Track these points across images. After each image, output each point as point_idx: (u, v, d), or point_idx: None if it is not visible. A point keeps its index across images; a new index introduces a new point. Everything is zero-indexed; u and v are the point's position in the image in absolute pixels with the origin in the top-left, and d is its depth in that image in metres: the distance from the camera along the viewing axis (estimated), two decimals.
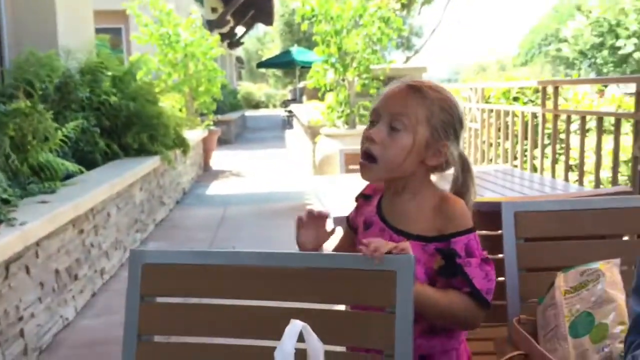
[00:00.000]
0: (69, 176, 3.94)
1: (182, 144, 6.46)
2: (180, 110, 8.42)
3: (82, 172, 4.10)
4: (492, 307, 1.68)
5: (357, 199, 1.36)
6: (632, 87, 3.48)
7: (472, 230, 1.20)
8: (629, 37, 22.37)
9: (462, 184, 1.24)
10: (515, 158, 5.11)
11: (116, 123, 5.20)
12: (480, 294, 1.15)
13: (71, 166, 3.88)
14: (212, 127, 9.67)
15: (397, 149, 1.18)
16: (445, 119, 1.20)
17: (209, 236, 5.12)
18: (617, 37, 22.74)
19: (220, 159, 10.54)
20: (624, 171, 4.39)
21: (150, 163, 5.20)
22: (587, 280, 1.29)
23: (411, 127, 1.18)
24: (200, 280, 1.21)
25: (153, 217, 5.52)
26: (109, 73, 5.37)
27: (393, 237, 1.21)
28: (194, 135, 7.84)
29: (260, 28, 41.12)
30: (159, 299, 1.22)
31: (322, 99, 7.96)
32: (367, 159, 1.21)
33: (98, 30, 6.20)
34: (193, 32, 9.14)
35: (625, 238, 1.66)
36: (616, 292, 1.22)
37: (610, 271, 1.28)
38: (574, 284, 1.30)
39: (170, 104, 7.14)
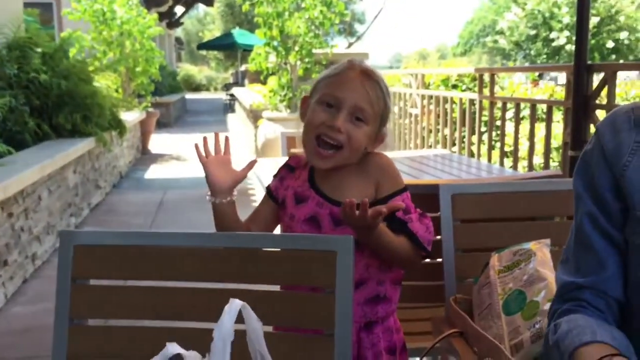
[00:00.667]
0: None
1: (118, 126, 6.26)
2: (117, 90, 8.14)
3: (10, 153, 3.90)
4: (430, 287, 1.73)
5: (280, 170, 1.36)
6: (563, 79, 3.62)
7: (405, 189, 1.26)
8: (561, 29, 23.27)
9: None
10: (454, 144, 5.24)
11: (47, 102, 4.97)
12: (424, 246, 1.23)
13: None
14: (150, 109, 9.41)
15: (360, 139, 1.22)
16: (388, 108, 1.27)
17: (147, 221, 4.99)
18: (551, 29, 23.61)
19: (159, 142, 10.28)
20: (555, 157, 4.59)
21: (84, 144, 5.01)
22: (520, 259, 1.33)
23: (372, 119, 1.23)
24: (135, 261, 1.17)
25: (88, 201, 5.33)
26: (39, 50, 5.11)
27: (333, 209, 1.23)
28: (131, 117, 7.60)
29: (200, 8, 40.25)
30: (92, 282, 1.18)
31: (264, 82, 7.89)
32: (331, 148, 1.21)
33: (27, 5, 5.87)
34: (129, 10, 8.82)
35: (556, 219, 1.73)
36: (546, 271, 1.27)
37: (541, 251, 1.33)
38: (507, 264, 1.35)
39: (105, 84, 6.88)
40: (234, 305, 0.83)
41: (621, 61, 21.71)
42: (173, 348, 0.78)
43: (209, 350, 0.79)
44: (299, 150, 3.18)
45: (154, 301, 1.17)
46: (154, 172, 7.69)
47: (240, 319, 0.84)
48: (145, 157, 8.96)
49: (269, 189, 1.35)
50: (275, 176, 1.36)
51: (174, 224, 4.85)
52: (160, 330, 1.15)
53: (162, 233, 1.18)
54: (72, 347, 1.14)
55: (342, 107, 1.20)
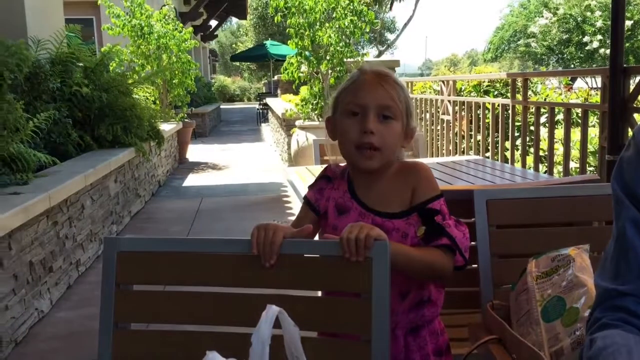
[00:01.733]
0: (41, 167, 3.88)
1: (156, 136, 6.40)
2: (154, 102, 8.32)
3: (55, 163, 4.03)
4: (466, 293, 1.72)
5: (317, 181, 1.36)
6: (598, 83, 3.54)
7: (441, 195, 1.27)
8: (594, 33, 22.82)
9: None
10: (487, 150, 5.19)
11: (89, 114, 5.13)
12: (462, 252, 1.23)
13: (43, 157, 3.81)
14: (186, 120, 9.58)
15: (393, 136, 1.25)
16: (410, 102, 1.30)
17: (185, 228, 5.08)
18: (584, 33, 23.17)
19: (195, 151, 10.45)
20: (591, 162, 4.49)
21: (125, 154, 5.14)
22: (558, 265, 1.32)
23: (399, 114, 1.25)
24: (176, 267, 1.21)
25: (128, 209, 5.46)
26: (81, 64, 5.28)
27: (375, 219, 1.25)
28: (168, 127, 7.77)
29: (234, 21, 40.82)
30: (135, 287, 1.22)
31: (296, 92, 7.94)
32: (371, 149, 1.24)
33: (68, 21, 6.06)
34: (166, 24, 9.03)
35: (594, 224, 1.70)
36: (586, 277, 1.25)
37: (580, 257, 1.31)
38: (545, 270, 1.33)
39: (143, 96, 7.05)
40: (271, 311, 0.85)
41: None
42: (214, 356, 0.80)
43: (246, 355, 0.81)
44: (331, 157, 3.20)
45: (193, 306, 1.20)
46: (191, 180, 7.82)
47: (277, 324, 0.86)
48: (182, 166, 9.12)
49: (308, 200, 1.34)
50: (312, 187, 1.36)
51: (211, 231, 4.92)
52: (200, 335, 1.18)
53: (201, 239, 1.22)
54: (117, 351, 1.18)
55: (368, 110, 1.23)
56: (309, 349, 0.88)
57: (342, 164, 1.35)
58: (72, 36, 5.69)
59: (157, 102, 8.76)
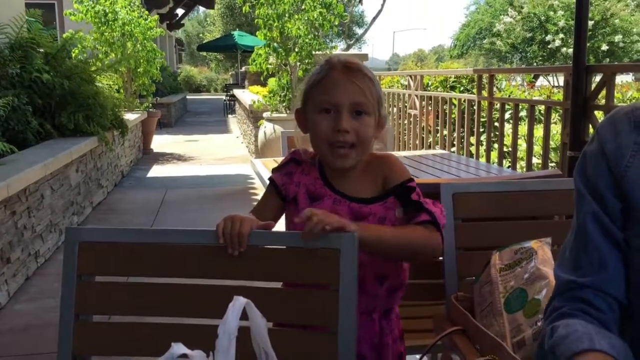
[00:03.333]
0: None
1: (120, 126, 6.27)
2: (118, 91, 8.16)
3: (13, 151, 3.91)
4: (430, 285, 1.74)
5: (285, 164, 1.33)
6: (560, 81, 3.61)
7: (412, 179, 1.28)
8: (557, 32, 23.32)
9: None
10: (453, 144, 5.25)
11: (49, 102, 4.99)
12: (440, 226, 1.21)
13: (1, 145, 3.70)
14: (151, 110, 9.42)
15: (367, 131, 1.24)
16: (380, 92, 1.29)
17: (149, 220, 5.01)
18: (547, 32, 23.67)
19: (160, 142, 10.30)
20: (552, 158, 4.60)
21: (87, 144, 5.02)
22: (521, 258, 1.34)
23: (372, 108, 1.24)
24: (139, 258, 1.18)
25: (90, 200, 5.34)
26: (41, 50, 5.13)
27: (351, 205, 1.24)
28: (132, 117, 7.62)
29: (201, 10, 40.27)
30: (97, 278, 1.19)
31: (264, 83, 7.89)
32: (346, 147, 1.22)
33: (29, 5, 5.88)
34: (131, 11, 8.84)
35: (556, 219, 1.74)
36: (548, 270, 1.28)
37: (542, 249, 1.34)
38: (508, 262, 1.36)
39: (107, 84, 6.90)
40: (238, 302, 0.84)
41: (618, 62, 21.74)
42: (179, 348, 0.78)
43: (213, 347, 0.80)
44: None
45: (158, 298, 1.18)
46: (155, 171, 7.70)
47: (244, 316, 0.85)
48: (146, 156, 8.97)
49: (274, 183, 1.31)
50: (278, 169, 1.33)
51: (175, 223, 4.86)
52: (164, 327, 1.16)
53: (166, 230, 1.19)
54: (77, 343, 1.15)
55: (341, 108, 1.21)
56: (275, 340, 0.88)
57: (311, 150, 1.33)
58: (33, 21, 5.52)
59: (121, 90, 8.60)
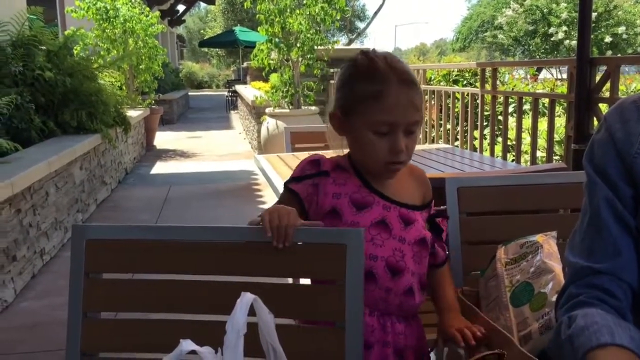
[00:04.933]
0: (2, 154, 3.77)
1: (122, 123, 6.28)
2: (120, 88, 8.15)
3: (17, 150, 3.92)
4: None
5: (309, 175, 1.25)
6: (563, 74, 3.60)
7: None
8: (560, 24, 23.23)
9: None
10: (457, 139, 5.25)
11: (52, 100, 4.99)
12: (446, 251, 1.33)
13: (5, 143, 3.71)
14: (153, 106, 9.43)
15: (415, 143, 1.23)
16: (422, 95, 1.26)
17: (153, 216, 5.01)
18: (549, 24, 23.57)
19: (163, 138, 10.31)
20: (557, 151, 4.59)
21: (90, 141, 5.03)
22: (526, 252, 1.34)
23: (421, 121, 1.22)
24: (147, 255, 1.19)
25: (94, 197, 5.35)
26: (43, 47, 5.13)
27: (401, 210, 1.24)
28: (135, 114, 7.63)
29: (202, 6, 40.21)
30: (105, 275, 1.19)
31: (266, 79, 7.88)
32: (399, 164, 1.22)
33: (30, 2, 5.88)
34: (132, 8, 8.83)
35: (561, 212, 1.73)
36: (553, 263, 1.28)
37: (547, 243, 1.33)
38: (513, 256, 1.35)
39: (109, 81, 6.90)
40: (246, 298, 0.85)
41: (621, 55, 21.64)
42: (187, 345, 0.79)
43: (220, 343, 0.80)
44: (304, 145, 3.18)
45: (165, 294, 1.18)
46: (158, 168, 7.71)
47: (252, 312, 0.85)
48: (149, 153, 8.98)
49: (295, 194, 1.24)
50: (300, 180, 1.25)
51: (179, 219, 4.87)
52: (172, 323, 1.16)
53: (173, 227, 1.20)
54: (86, 340, 1.16)
55: (398, 129, 1.17)
56: (283, 336, 0.88)
57: (332, 156, 1.28)
58: (34, 18, 5.51)
59: (124, 87, 8.59)
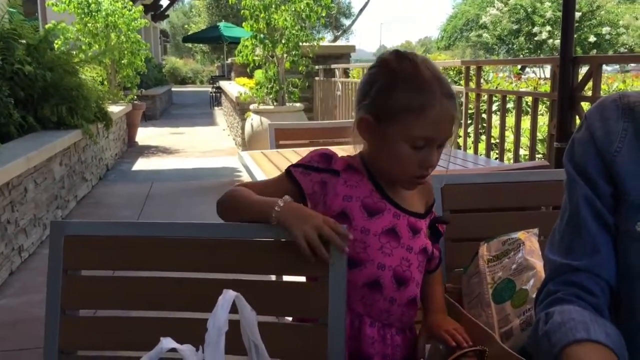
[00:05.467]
0: None
1: (104, 118, 6.21)
2: (102, 83, 8.07)
3: None
4: None
5: (318, 169, 1.17)
6: (546, 73, 3.63)
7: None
8: (543, 24, 23.45)
9: None
10: None
11: (32, 94, 4.92)
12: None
13: None
14: (136, 102, 9.34)
15: (440, 157, 1.18)
16: None
17: (134, 213, 4.97)
18: (533, 24, 23.79)
19: (146, 134, 10.22)
20: (539, 149, 4.63)
21: (70, 136, 4.97)
22: (509, 249, 1.34)
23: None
24: (127, 252, 1.17)
25: (74, 194, 5.29)
26: (23, 41, 5.05)
27: (410, 219, 1.19)
28: (117, 109, 7.54)
29: (186, 1, 39.91)
30: (84, 272, 1.17)
31: (250, 75, 7.85)
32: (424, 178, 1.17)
33: None
34: (114, 2, 8.74)
35: (542, 209, 1.75)
36: (535, 260, 1.28)
37: (529, 240, 1.34)
38: (496, 253, 1.36)
39: (90, 76, 6.82)
40: (228, 296, 0.84)
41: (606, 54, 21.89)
42: (168, 343, 0.78)
43: (202, 340, 0.79)
44: (288, 142, 3.17)
45: (146, 292, 1.17)
46: (140, 164, 7.64)
47: (234, 309, 0.84)
48: (131, 149, 8.90)
49: (299, 187, 1.16)
50: (306, 170, 1.17)
51: (162, 216, 4.83)
52: (153, 321, 1.15)
53: (154, 223, 1.18)
54: (64, 338, 1.14)
55: (434, 143, 1.12)
56: (266, 333, 0.87)
57: (345, 156, 1.21)
58: (14, 12, 5.42)
59: (105, 82, 8.51)
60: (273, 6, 6.80)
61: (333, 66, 8.20)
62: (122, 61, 8.90)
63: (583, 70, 3.32)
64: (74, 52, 6.92)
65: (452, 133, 1.13)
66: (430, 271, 1.29)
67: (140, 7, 9.63)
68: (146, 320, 1.15)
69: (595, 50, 23.30)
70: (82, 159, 5.67)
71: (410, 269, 1.18)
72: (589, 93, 3.19)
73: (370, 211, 1.16)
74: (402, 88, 1.09)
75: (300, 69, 7.12)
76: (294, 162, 1.22)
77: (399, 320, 1.20)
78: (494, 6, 25.55)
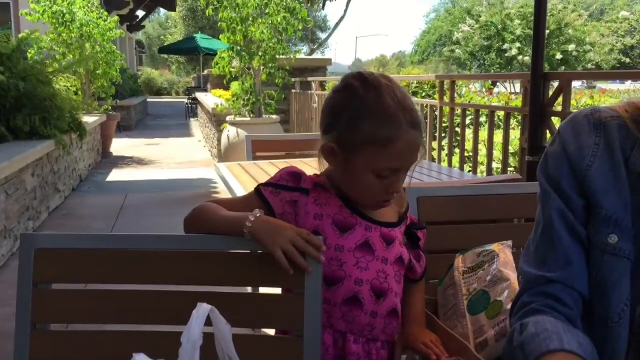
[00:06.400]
0: None
1: (78, 128, 6.13)
2: (76, 93, 7.97)
3: None
4: None
5: (288, 190, 1.17)
6: (516, 88, 3.69)
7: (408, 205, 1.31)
8: (513, 40, 23.95)
9: None
10: None
11: (4, 104, 4.84)
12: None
13: None
14: (111, 112, 9.24)
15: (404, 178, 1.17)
16: None
17: (108, 225, 4.89)
18: (504, 40, 24.28)
19: (120, 145, 10.10)
20: (511, 162, 4.70)
21: (43, 147, 4.89)
22: (483, 260, 1.36)
23: None
24: (98, 265, 1.15)
25: (46, 205, 5.19)
26: None
27: (382, 230, 1.19)
28: (91, 119, 7.45)
29: (162, 12, 39.72)
30: (55, 286, 1.15)
31: (227, 87, 7.83)
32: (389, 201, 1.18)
33: None
34: (89, 12, 8.66)
35: (515, 222, 1.77)
36: (509, 272, 1.30)
37: (503, 252, 1.36)
38: (471, 264, 1.37)
39: (64, 86, 6.73)
40: (202, 309, 0.83)
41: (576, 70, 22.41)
42: (140, 358, 0.76)
43: (176, 355, 0.78)
44: (265, 154, 3.16)
45: (119, 305, 1.15)
46: (114, 175, 7.54)
47: (208, 322, 0.84)
48: (105, 160, 8.78)
49: (269, 207, 1.15)
50: (276, 189, 1.16)
51: (136, 228, 4.76)
52: (126, 335, 1.13)
53: (127, 235, 1.17)
54: (34, 353, 1.12)
55: (400, 172, 1.13)
56: (241, 345, 0.86)
57: (312, 175, 1.21)
58: None
59: (79, 92, 8.41)
60: (250, 19, 6.82)
61: (309, 79, 8.24)
62: (97, 71, 8.82)
63: (553, 85, 3.40)
64: (48, 62, 6.83)
65: (417, 158, 1.13)
66: (415, 280, 1.30)
67: (116, 18, 9.57)
68: (119, 335, 1.13)
69: (563, 66, 23.83)
70: (55, 170, 5.58)
71: (387, 280, 1.18)
72: (559, 108, 3.26)
73: (341, 227, 1.16)
74: (367, 120, 1.08)
75: (276, 81, 7.14)
76: (268, 176, 1.22)
77: (383, 332, 1.20)
78: (465, 23, 26.02)
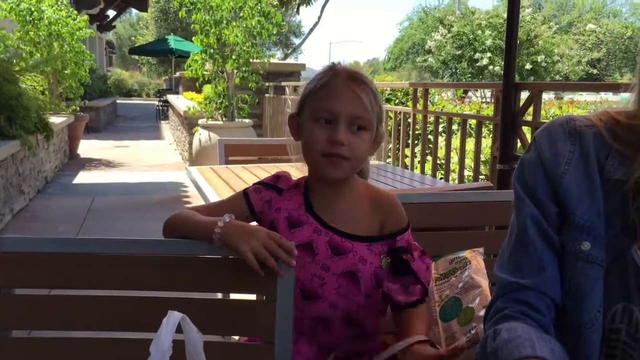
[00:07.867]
0: None
1: (44, 129, 5.99)
2: (43, 93, 7.80)
3: None
4: None
5: (266, 191, 1.23)
6: (487, 96, 3.73)
7: (408, 226, 1.25)
8: (484, 51, 24.37)
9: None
10: (388, 156, 5.34)
11: None
12: (426, 287, 1.22)
13: None
14: (79, 113, 9.07)
15: (363, 147, 1.17)
16: (382, 107, 1.22)
17: (74, 228, 4.78)
18: (475, 50, 24.69)
19: (88, 147, 9.91)
20: (482, 170, 4.76)
21: (8, 147, 4.76)
22: (455, 267, 1.36)
23: (371, 124, 1.17)
24: (63, 269, 1.12)
25: (10, 207, 5.05)
26: None
27: (333, 237, 1.17)
28: (58, 120, 7.29)
29: (133, 13, 39.28)
30: (17, 291, 1.11)
31: (199, 90, 7.76)
32: (339, 158, 1.15)
33: None
34: (58, 10, 8.49)
35: (486, 229, 1.79)
36: (480, 279, 1.31)
37: (475, 259, 1.36)
38: (443, 271, 1.37)
39: (31, 85, 6.58)
40: (172, 318, 0.81)
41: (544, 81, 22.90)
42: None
43: None
44: (238, 158, 3.13)
45: (84, 311, 1.12)
46: (82, 177, 7.39)
47: (179, 329, 0.81)
48: (73, 162, 8.60)
49: (250, 205, 1.21)
50: (258, 191, 1.23)
51: (104, 232, 4.67)
52: (92, 342, 1.10)
53: (92, 239, 1.13)
54: None
55: (339, 119, 1.13)
56: (211, 353, 0.84)
57: (297, 178, 1.25)
58: None
59: (47, 92, 8.23)
60: (224, 22, 6.77)
61: (283, 83, 8.22)
62: (65, 71, 8.64)
63: (524, 95, 3.45)
64: (15, 61, 6.67)
65: (361, 114, 1.14)
66: (406, 306, 1.22)
67: (86, 17, 9.41)
68: (84, 342, 1.10)
69: (532, 77, 24.33)
70: (20, 171, 5.44)
71: (324, 287, 1.16)
72: (530, 118, 3.31)
73: (292, 223, 1.19)
74: (314, 79, 1.19)
75: (250, 85, 7.10)
76: (242, 178, 1.24)
77: (354, 343, 1.19)
78: (438, 32, 26.37)
